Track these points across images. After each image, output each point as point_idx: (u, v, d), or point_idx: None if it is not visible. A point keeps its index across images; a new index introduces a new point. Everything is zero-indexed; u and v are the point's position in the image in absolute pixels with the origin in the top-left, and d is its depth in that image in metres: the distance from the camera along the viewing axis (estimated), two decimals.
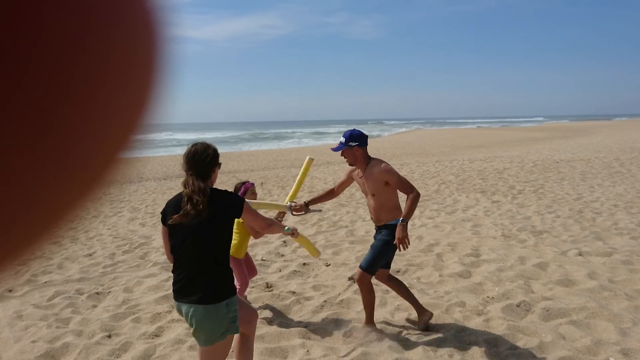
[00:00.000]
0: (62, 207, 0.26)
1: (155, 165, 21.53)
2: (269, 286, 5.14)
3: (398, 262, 5.68)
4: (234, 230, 3.66)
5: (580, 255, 5.73)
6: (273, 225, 2.98)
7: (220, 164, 2.77)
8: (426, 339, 3.74)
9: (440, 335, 3.80)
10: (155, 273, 5.69)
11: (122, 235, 7.94)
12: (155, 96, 0.28)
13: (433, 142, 34.61)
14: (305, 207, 4.16)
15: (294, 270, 5.60)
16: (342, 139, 3.85)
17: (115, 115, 0.26)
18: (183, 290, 2.58)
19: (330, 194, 4.30)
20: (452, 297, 4.56)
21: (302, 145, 38.97)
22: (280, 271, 5.66)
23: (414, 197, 3.73)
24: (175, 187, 13.91)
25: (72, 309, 4.65)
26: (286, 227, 3.15)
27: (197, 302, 2.52)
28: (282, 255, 6.30)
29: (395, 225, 3.75)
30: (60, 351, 3.75)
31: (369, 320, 3.95)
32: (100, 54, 0.24)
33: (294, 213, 4.17)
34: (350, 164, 3.95)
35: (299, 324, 4.19)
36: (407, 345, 3.67)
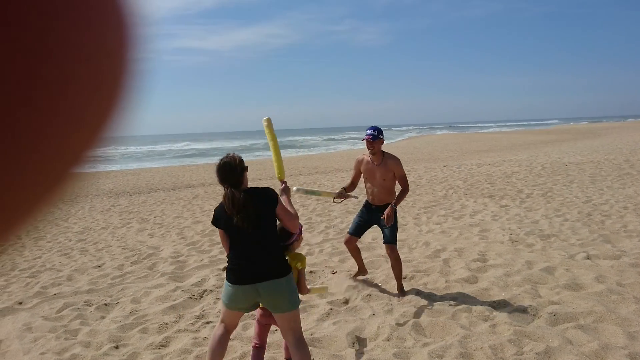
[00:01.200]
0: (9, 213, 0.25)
1: (165, 175, 21.71)
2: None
3: (405, 269, 5.67)
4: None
5: (588, 258, 5.68)
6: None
7: (247, 167, 3.11)
8: (432, 346, 3.73)
9: (445, 341, 3.79)
10: (163, 283, 5.73)
11: (131, 246, 8.00)
12: (121, 107, 0.27)
13: (442, 147, 34.52)
14: (345, 194, 5.00)
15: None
16: (374, 132, 4.73)
17: (76, 126, 0.25)
18: (252, 273, 2.99)
19: (352, 185, 5.13)
20: (458, 303, 4.54)
21: (312, 153, 39.03)
22: None
23: (406, 190, 4.92)
24: (183, 197, 14.01)
25: (80, 321, 4.69)
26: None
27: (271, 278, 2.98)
28: None
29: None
30: None
31: (401, 288, 4.96)
32: (67, 59, 0.23)
33: (336, 200, 5.08)
34: (372, 153, 4.79)
35: (305, 332, 4.20)
36: (413, 352, 3.67)
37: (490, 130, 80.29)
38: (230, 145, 56.09)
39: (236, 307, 3.12)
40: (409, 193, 11.38)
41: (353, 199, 5.31)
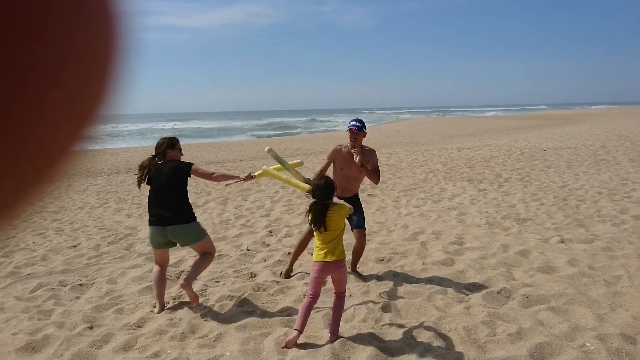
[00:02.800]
0: (7, 201, 0.26)
1: (144, 155, 21.37)
2: (253, 275, 5.15)
3: (382, 251, 5.72)
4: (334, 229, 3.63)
5: (562, 242, 5.79)
6: (218, 176, 4.57)
7: (174, 145, 4.47)
8: (407, 327, 3.77)
9: (420, 322, 3.83)
10: (139, 264, 5.68)
11: (108, 227, 7.90)
12: (113, 87, 0.28)
13: (424, 130, 34.68)
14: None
15: (279, 260, 5.61)
16: (359, 124, 4.82)
17: (71, 105, 0.26)
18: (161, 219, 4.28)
19: (320, 175, 4.88)
20: (434, 285, 4.60)
21: (293, 136, 38.87)
22: (265, 261, 5.66)
23: (377, 176, 4.87)
24: None
25: (54, 301, 4.63)
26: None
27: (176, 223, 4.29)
28: (268, 245, 6.31)
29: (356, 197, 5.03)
30: (41, 343, 3.73)
31: (355, 266, 5.07)
32: (58, 40, 0.24)
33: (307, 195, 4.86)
34: (353, 144, 4.80)
35: (282, 312, 4.21)
36: (388, 333, 3.70)
37: (474, 115, 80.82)
38: (208, 126, 55.52)
39: (157, 245, 4.35)
40: (389, 177, 11.45)
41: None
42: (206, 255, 4.44)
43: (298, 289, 4.71)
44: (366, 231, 5.00)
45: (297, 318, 3.61)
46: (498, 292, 4.34)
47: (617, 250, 5.41)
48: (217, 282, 5.02)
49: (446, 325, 3.76)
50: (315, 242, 3.72)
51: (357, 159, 4.68)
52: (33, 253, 6.42)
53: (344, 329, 3.80)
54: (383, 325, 3.86)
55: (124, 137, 38.43)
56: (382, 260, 5.45)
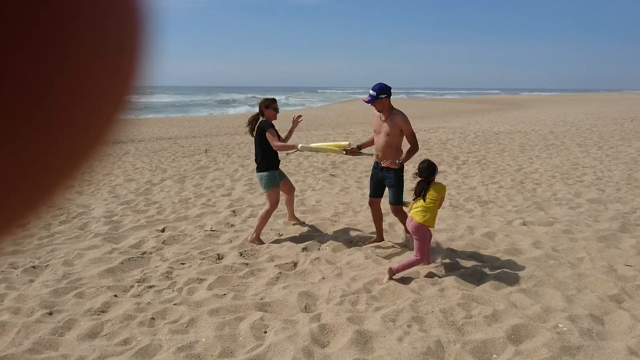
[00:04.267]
0: (61, 171, 0.26)
1: None
2: (220, 257, 4.98)
3: (351, 233, 5.67)
4: (431, 199, 4.40)
5: (524, 224, 5.94)
6: (278, 146, 5.23)
7: (269, 105, 5.33)
8: (384, 310, 3.74)
9: (397, 305, 3.81)
10: (97, 245, 5.38)
11: (57, 204, 7.44)
12: (146, 57, 0.28)
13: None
14: (357, 150, 5.31)
15: (246, 242, 5.45)
16: (373, 92, 4.78)
17: (111, 75, 0.26)
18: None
19: (370, 142, 5.32)
20: None
21: (245, 112, 38.20)
22: (231, 242, 5.50)
23: (414, 149, 4.95)
24: (112, 153, 13.24)
25: (6, 285, 4.30)
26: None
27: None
28: (232, 225, 6.13)
29: (397, 171, 5.06)
30: None
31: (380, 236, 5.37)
32: (92, 17, 0.24)
33: (345, 154, 5.31)
34: (378, 111, 4.92)
35: (254, 296, 4.09)
36: (365, 316, 3.66)
37: (420, 96, 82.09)
38: (154, 101, 53.76)
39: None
40: (349, 157, 11.41)
41: (367, 156, 5.54)
42: (264, 208, 5.37)
43: (269, 271, 4.59)
44: (401, 207, 5.17)
45: (400, 266, 4.24)
46: (470, 274, 4.39)
47: (577, 232, 5.60)
48: (183, 264, 4.83)
49: (422, 308, 3.76)
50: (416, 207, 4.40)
51: (386, 163, 4.94)
52: None
53: (321, 311, 3.73)
54: (359, 308, 3.82)
55: None
56: (351, 241, 5.41)
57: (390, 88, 4.87)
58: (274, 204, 5.31)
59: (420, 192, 4.42)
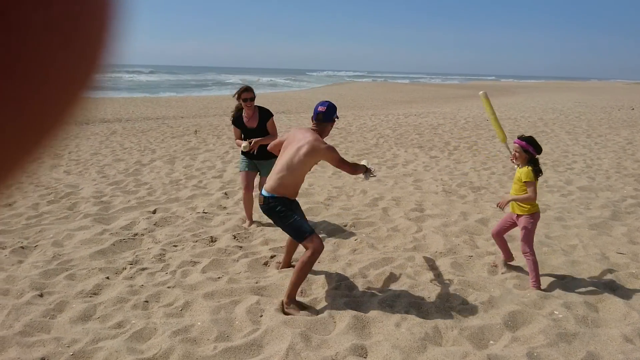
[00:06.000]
0: (23, 149, 0.26)
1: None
2: (213, 240, 4.93)
3: (345, 217, 5.64)
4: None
5: None
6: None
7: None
8: (381, 295, 3.72)
9: (394, 290, 3.80)
10: (87, 225, 5.28)
11: (45, 184, 7.30)
12: (114, 34, 0.28)
13: (366, 95, 34.74)
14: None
15: (239, 224, 5.40)
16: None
17: (77, 54, 0.26)
18: None
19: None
20: (401, 252, 4.58)
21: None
22: (224, 224, 5.43)
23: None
24: (99, 132, 13.01)
25: None
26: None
27: None
28: (225, 208, 6.06)
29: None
30: None
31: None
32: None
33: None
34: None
35: (249, 279, 4.05)
36: (362, 301, 3.64)
37: (405, 81, 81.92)
38: (143, 80, 53.01)
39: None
40: (341, 140, 11.35)
41: None
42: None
43: (263, 254, 4.55)
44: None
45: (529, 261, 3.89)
46: (465, 260, 4.39)
47: (569, 220, 5.63)
48: (175, 246, 4.76)
49: (419, 294, 3.75)
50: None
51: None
52: None
53: (318, 296, 3.71)
54: (356, 293, 3.80)
55: None
56: (345, 226, 5.37)
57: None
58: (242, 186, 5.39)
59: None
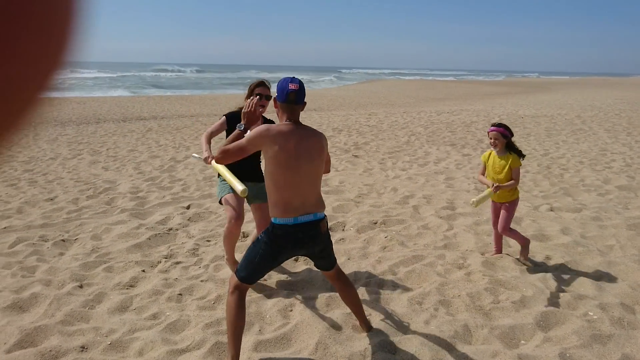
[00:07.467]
0: None
1: (113, 106, 20.62)
2: (245, 235, 5.01)
3: (375, 214, 5.65)
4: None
5: (551, 210, 5.84)
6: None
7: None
8: (410, 292, 3.73)
9: (423, 288, 3.79)
10: (124, 220, 5.45)
11: (85, 179, 7.56)
12: (75, 34, 0.28)
13: (398, 92, 34.51)
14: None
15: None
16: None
17: (35, 53, 0.26)
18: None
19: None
20: (431, 250, 4.56)
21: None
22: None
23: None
24: (136, 129, 13.36)
25: (37, 257, 4.39)
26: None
27: None
28: None
29: None
30: (29, 302, 3.53)
31: None
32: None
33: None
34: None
35: (281, 274, 4.11)
36: (392, 298, 3.65)
37: (447, 79, 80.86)
38: (173, 76, 54.01)
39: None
40: (372, 138, 11.34)
41: None
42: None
43: None
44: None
45: (516, 237, 4.25)
46: (496, 259, 4.34)
47: (606, 220, 5.48)
48: (208, 241, 4.87)
49: (449, 292, 3.74)
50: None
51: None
52: (7, 205, 6.09)
53: None
54: (386, 290, 3.81)
55: (91, 87, 36.89)
56: (375, 223, 5.38)
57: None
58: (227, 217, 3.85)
59: None
